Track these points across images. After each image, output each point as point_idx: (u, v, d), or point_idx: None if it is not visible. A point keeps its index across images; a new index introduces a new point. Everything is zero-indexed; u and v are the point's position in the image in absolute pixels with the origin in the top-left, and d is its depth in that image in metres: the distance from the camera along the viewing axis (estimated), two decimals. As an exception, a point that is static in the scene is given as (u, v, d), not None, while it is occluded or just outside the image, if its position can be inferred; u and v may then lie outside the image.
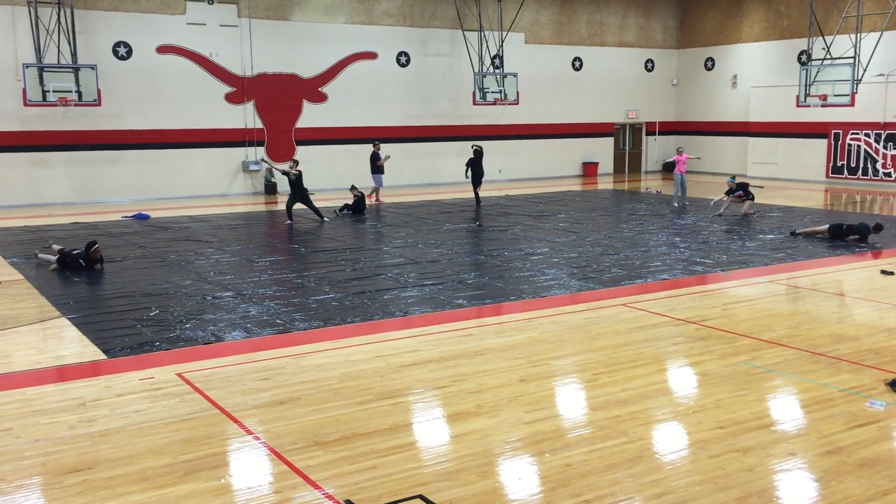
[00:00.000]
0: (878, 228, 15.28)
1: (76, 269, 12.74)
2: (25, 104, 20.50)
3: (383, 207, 21.23)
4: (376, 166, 21.90)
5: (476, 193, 21.33)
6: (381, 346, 8.51)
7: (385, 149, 26.10)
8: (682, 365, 7.97)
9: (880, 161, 25.52)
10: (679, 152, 21.37)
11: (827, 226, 15.49)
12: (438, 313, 9.91)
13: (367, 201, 21.38)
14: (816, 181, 26.82)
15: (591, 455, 5.73)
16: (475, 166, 21.16)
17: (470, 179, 21.18)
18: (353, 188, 20.56)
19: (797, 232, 15.82)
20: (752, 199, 18.86)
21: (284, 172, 18.48)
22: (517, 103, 27.10)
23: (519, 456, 5.78)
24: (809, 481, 5.37)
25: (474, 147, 21.52)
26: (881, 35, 23.68)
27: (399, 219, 18.77)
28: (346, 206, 19.83)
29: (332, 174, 25.52)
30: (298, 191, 18.34)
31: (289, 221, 18.02)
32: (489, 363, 7.92)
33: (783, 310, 10.11)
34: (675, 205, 20.51)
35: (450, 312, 9.96)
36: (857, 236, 14.94)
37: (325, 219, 18.30)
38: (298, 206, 18.52)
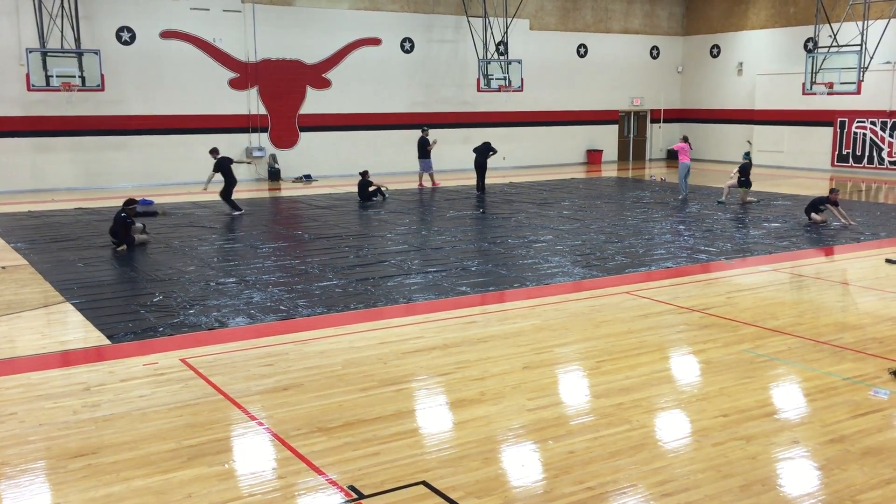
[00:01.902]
0: (833, 193, 15.71)
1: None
2: (29, 89, 20.46)
3: (389, 193, 21.18)
4: (425, 151, 22.09)
5: (479, 182, 21.33)
6: (384, 333, 8.52)
7: (389, 135, 26.23)
8: (685, 353, 7.96)
9: (886, 149, 25.41)
10: (686, 140, 20.66)
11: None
12: (442, 300, 9.91)
13: (418, 187, 22.14)
14: (822, 169, 26.73)
15: (594, 442, 5.74)
16: (479, 154, 21.20)
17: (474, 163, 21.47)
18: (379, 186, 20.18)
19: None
20: (749, 186, 18.64)
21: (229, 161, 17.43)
22: (521, 90, 26.98)
23: (522, 443, 5.79)
24: (812, 469, 5.38)
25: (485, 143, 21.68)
26: (888, 23, 23.55)
27: (402, 206, 18.74)
28: (378, 192, 19.67)
29: (336, 161, 25.53)
30: (229, 176, 17.37)
31: (238, 211, 17.37)
32: (492, 350, 7.93)
33: (787, 298, 10.10)
34: (681, 197, 19.97)
35: (453, 299, 9.96)
36: (823, 207, 15.61)
37: (236, 212, 17.37)
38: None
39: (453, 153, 27.28)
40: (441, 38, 26.96)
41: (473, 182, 21.99)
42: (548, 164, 29.27)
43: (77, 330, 8.75)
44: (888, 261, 12.18)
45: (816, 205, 15.73)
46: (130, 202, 13.66)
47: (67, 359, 7.79)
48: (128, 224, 13.45)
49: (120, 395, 6.73)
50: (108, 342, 8.23)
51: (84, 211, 17.71)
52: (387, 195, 19.84)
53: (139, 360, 7.61)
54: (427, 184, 22.74)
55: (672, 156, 32.02)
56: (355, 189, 21.56)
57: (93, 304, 9.74)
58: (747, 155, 19.65)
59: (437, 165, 27.01)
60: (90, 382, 7.03)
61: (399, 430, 5.98)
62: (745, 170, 18.61)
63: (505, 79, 26.16)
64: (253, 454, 5.65)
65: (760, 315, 9.17)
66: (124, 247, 13.26)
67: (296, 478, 5.25)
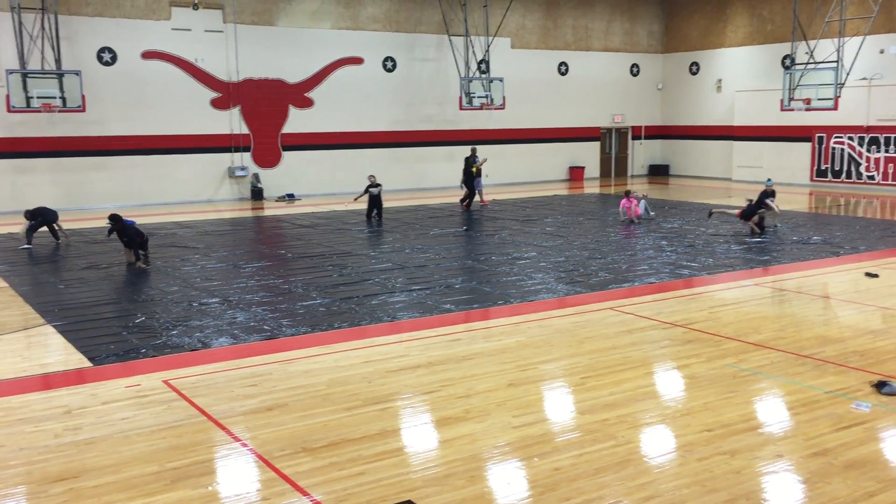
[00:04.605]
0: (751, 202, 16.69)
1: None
2: (9, 110, 20.37)
3: (383, 212, 21.16)
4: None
5: (465, 197, 21.43)
6: (368, 352, 8.50)
7: (372, 154, 26.28)
8: (669, 368, 7.99)
9: (863, 164, 25.73)
10: (628, 195, 18.61)
11: (739, 211, 16.71)
12: (426, 318, 9.90)
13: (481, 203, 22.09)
14: (801, 184, 27.01)
15: (580, 459, 5.74)
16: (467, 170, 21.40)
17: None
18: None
19: (712, 212, 17.32)
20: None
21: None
22: (503, 108, 27.15)
23: (507, 460, 5.78)
24: (796, 483, 5.40)
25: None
26: (864, 39, 23.90)
27: (386, 224, 18.74)
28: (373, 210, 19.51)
29: (319, 179, 25.53)
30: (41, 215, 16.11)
31: (28, 245, 15.62)
32: (477, 368, 7.92)
33: (769, 312, 10.17)
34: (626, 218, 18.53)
35: (437, 317, 9.95)
36: (762, 209, 16.42)
37: (60, 240, 16.24)
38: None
39: (436, 171, 27.41)
40: (423, 57, 27.09)
41: (455, 200, 22.05)
42: (530, 181, 29.39)
43: (58, 352, 8.67)
44: (868, 274, 12.31)
45: (757, 209, 16.40)
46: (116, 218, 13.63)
47: (48, 382, 7.71)
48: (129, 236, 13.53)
49: (102, 417, 6.67)
50: (89, 364, 8.16)
51: (65, 232, 17.55)
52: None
53: (121, 382, 7.55)
54: (477, 196, 22.30)
55: (653, 172, 32.36)
56: (338, 207, 21.61)
57: (74, 326, 9.66)
58: (769, 181, 18.33)
59: (420, 184, 27.20)
60: (72, 405, 6.96)
61: (384, 450, 5.95)
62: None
63: (487, 97, 26.31)
64: (237, 476, 5.60)
65: (743, 329, 9.23)
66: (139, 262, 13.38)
67: (280, 499, 5.21)
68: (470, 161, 21.92)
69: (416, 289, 11.51)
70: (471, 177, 21.45)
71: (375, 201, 19.41)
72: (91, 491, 5.33)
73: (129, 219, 19.65)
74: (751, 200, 16.61)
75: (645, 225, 17.94)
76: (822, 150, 26.77)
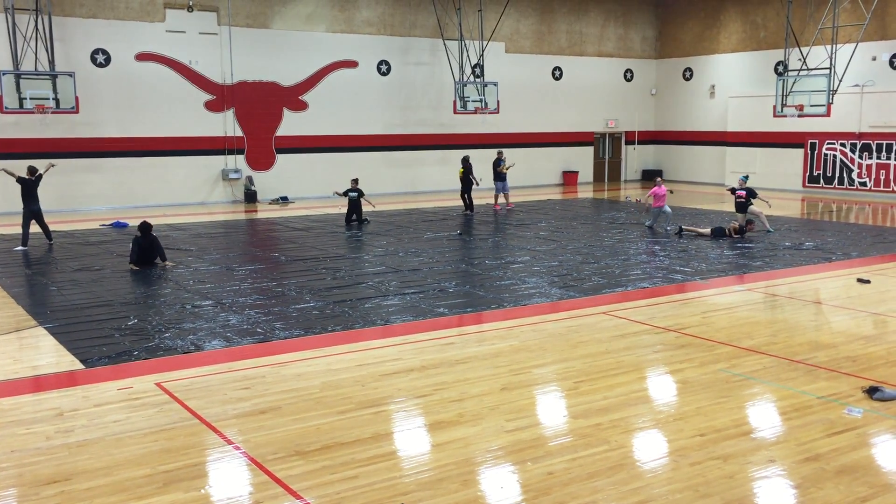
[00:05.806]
0: (749, 223, 17.02)
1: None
2: (2, 111, 20.31)
3: (370, 215, 21.14)
4: (497, 173, 22.01)
5: (465, 201, 21.52)
6: (362, 355, 8.49)
7: (366, 157, 26.27)
8: (662, 373, 8.00)
9: (856, 170, 25.83)
10: (658, 183, 18.29)
11: (710, 229, 16.85)
12: (420, 322, 9.90)
13: (495, 209, 22.10)
14: (793, 190, 27.11)
15: (573, 463, 5.74)
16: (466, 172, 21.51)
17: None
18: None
19: (683, 228, 17.23)
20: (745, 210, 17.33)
21: (20, 179, 16.06)
22: (497, 112, 27.19)
23: (501, 464, 5.78)
24: (789, 488, 5.41)
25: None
26: (856, 46, 24.02)
27: (380, 227, 18.74)
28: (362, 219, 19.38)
29: (312, 182, 25.51)
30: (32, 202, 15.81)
31: (23, 247, 15.59)
32: (470, 372, 7.92)
33: (762, 318, 10.20)
34: (663, 227, 18.58)
35: (431, 321, 9.95)
36: (736, 233, 16.58)
37: (52, 241, 16.23)
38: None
39: (430, 175, 27.42)
40: (417, 61, 27.11)
41: (449, 204, 22.06)
42: (524, 186, 29.39)
43: (50, 354, 8.64)
44: (860, 280, 12.35)
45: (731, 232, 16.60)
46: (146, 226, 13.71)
47: (40, 384, 7.68)
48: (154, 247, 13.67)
49: (94, 420, 6.64)
50: (81, 366, 8.13)
51: (57, 234, 17.50)
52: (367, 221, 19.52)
53: (113, 385, 7.52)
54: (502, 200, 22.34)
55: (646, 177, 32.39)
56: (332, 211, 21.59)
57: (66, 328, 9.62)
58: (746, 177, 18.23)
59: (414, 187, 27.22)
60: (63, 408, 6.94)
61: (377, 453, 5.95)
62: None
63: (481, 101, 26.35)
64: (229, 479, 5.59)
65: (735, 334, 9.25)
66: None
67: (273, 502, 5.20)
68: (496, 163, 22.02)
69: (409, 292, 11.51)
70: (467, 183, 21.50)
71: (355, 206, 19.25)
72: (82, 494, 5.31)
73: (122, 221, 19.67)
74: (708, 232, 16.82)
75: (638, 230, 17.95)
76: (814, 156, 26.88)
